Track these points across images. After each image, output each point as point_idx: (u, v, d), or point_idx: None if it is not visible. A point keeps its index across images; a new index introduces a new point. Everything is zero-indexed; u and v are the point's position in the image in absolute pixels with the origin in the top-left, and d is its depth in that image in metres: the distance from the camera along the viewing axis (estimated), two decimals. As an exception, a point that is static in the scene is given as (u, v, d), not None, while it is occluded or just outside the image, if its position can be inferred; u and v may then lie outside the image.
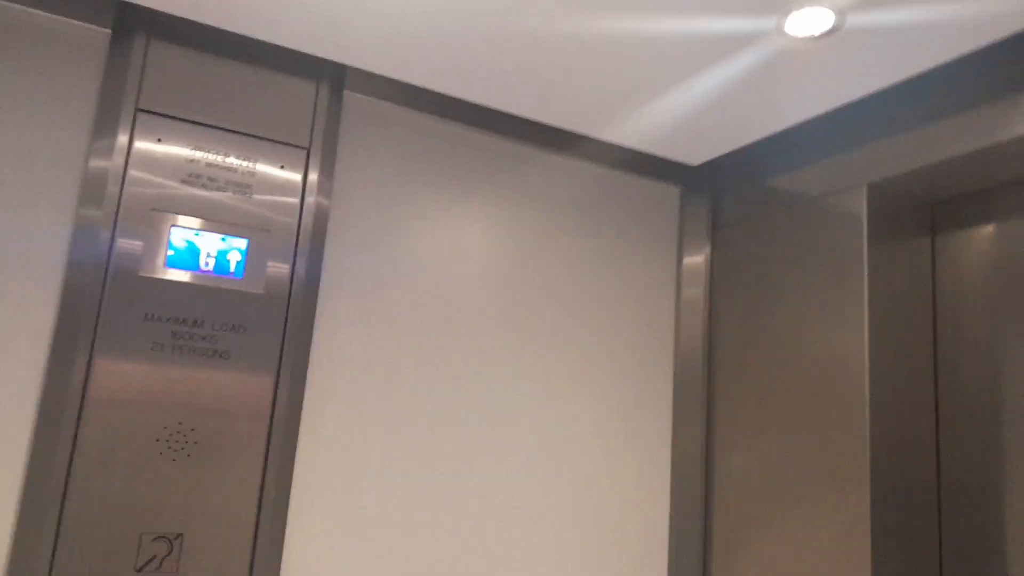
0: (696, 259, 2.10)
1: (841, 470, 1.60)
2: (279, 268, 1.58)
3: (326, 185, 1.66)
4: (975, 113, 1.48)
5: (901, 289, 1.68)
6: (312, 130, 1.66)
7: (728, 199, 2.07)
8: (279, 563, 1.51)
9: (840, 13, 1.35)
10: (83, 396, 1.39)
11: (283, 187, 1.61)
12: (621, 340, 2.01)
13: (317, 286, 1.63)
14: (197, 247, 1.51)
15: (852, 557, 1.55)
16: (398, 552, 1.66)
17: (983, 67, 1.48)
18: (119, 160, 1.48)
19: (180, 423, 1.45)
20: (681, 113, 1.79)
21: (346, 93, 1.75)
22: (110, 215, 1.45)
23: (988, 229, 1.66)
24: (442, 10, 1.44)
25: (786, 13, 1.36)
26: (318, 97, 1.68)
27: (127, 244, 1.46)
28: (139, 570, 1.40)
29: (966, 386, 1.64)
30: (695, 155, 2.06)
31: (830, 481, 1.62)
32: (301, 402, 1.58)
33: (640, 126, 1.88)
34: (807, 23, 1.38)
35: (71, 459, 1.37)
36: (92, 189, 1.46)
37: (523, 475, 1.82)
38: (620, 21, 1.43)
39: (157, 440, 1.43)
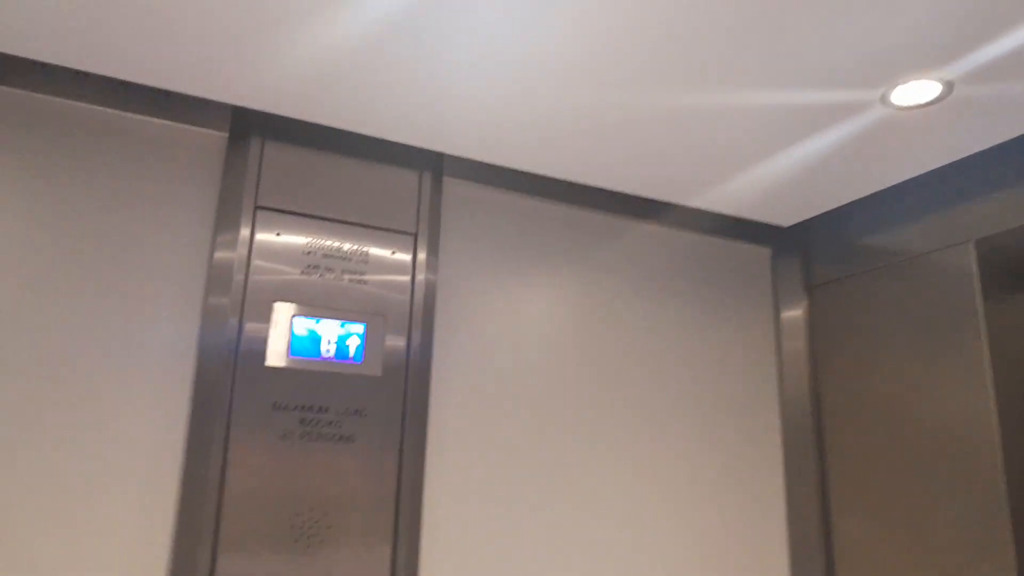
0: (794, 313, 2.09)
1: (977, 539, 1.55)
2: (395, 347, 1.63)
3: (433, 263, 1.72)
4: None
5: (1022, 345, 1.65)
6: (417, 216, 1.72)
7: (821, 258, 2.06)
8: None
9: (947, 84, 1.36)
10: (221, 486, 1.44)
11: (394, 269, 1.67)
12: (724, 399, 2.00)
13: (430, 361, 1.67)
14: (318, 335, 1.57)
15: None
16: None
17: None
18: (243, 251, 1.55)
19: (312, 509, 1.49)
20: (775, 178, 1.81)
21: (445, 179, 1.81)
22: (236, 302, 1.53)
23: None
24: (532, 93, 1.49)
25: (892, 86, 1.37)
26: (421, 185, 1.75)
27: (254, 329, 1.53)
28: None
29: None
30: (786, 217, 2.07)
31: (966, 553, 1.57)
32: (422, 478, 1.61)
33: (731, 192, 1.91)
34: (913, 94, 1.39)
35: (214, 549, 1.41)
36: (218, 278, 1.53)
37: (638, 548, 1.81)
38: (720, 94, 1.46)
39: (292, 527, 1.47)
